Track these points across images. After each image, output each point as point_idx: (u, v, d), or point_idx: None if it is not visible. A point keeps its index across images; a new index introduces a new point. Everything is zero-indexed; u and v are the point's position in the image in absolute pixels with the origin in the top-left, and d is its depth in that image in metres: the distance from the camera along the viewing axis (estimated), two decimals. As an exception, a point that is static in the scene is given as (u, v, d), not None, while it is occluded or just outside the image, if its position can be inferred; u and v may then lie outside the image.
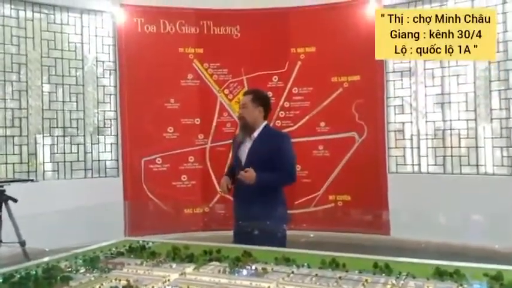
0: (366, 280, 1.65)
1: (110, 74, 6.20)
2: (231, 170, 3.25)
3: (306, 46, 6.28)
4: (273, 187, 3.09)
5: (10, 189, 4.18)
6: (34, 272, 1.81)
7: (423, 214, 5.27)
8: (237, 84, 6.32)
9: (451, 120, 5.71)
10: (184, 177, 6.24)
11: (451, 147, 5.69)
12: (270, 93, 6.14)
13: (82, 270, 1.87)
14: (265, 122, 3.20)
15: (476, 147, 5.52)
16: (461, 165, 5.60)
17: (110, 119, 6.19)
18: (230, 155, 3.36)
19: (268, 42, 6.22)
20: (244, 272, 1.80)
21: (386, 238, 5.60)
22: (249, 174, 2.96)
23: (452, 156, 5.67)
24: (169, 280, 1.70)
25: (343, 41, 6.07)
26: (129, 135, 6.09)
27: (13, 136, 5.61)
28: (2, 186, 4.15)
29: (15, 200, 4.12)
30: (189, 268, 1.86)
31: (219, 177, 6.13)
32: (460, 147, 5.64)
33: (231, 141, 6.13)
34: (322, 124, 6.22)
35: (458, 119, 5.66)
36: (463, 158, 5.60)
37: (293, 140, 6.06)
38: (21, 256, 3.88)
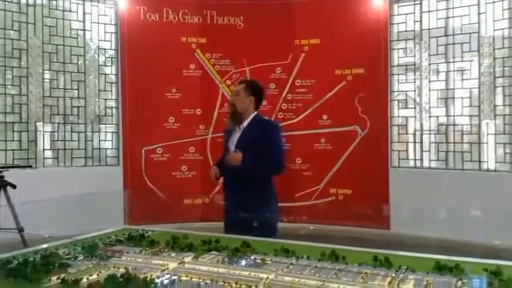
0: (366, 273, 1.64)
1: (111, 62, 6.17)
2: (221, 160, 3.24)
3: (310, 38, 6.24)
4: (262, 177, 3.10)
5: (9, 175, 4.18)
6: (32, 259, 1.79)
7: (424, 209, 5.27)
8: (240, 75, 6.28)
9: (454, 116, 5.68)
10: (184, 168, 6.23)
11: (454, 142, 5.66)
12: (273, 85, 6.22)
13: (81, 257, 1.86)
14: (255, 112, 3.19)
15: (479, 143, 5.49)
16: (463, 161, 5.58)
17: (111, 108, 6.17)
18: (223, 145, 3.33)
19: (272, 33, 6.18)
20: (243, 262, 1.79)
21: (386, 232, 5.61)
22: (235, 156, 2.97)
23: (454, 151, 5.65)
24: (167, 269, 1.69)
25: (348, 33, 6.03)
26: (130, 124, 6.07)
27: (13, 123, 5.60)
28: (0, 172, 4.15)
29: (14, 186, 4.12)
30: (188, 257, 1.85)
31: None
32: (462, 143, 5.61)
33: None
34: (324, 117, 6.19)
35: (462, 115, 5.63)
36: (465, 153, 5.58)
37: (295, 133, 6.15)
38: (20, 242, 3.88)
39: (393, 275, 1.64)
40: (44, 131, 5.82)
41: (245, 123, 3.13)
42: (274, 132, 3.20)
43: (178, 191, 6.11)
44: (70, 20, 5.96)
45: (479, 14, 5.47)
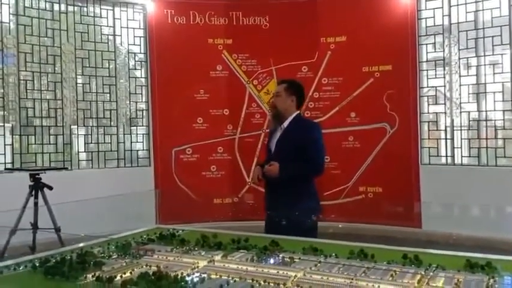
0: (395, 271, 1.64)
1: (141, 66, 6.30)
2: (265, 161, 3.23)
3: (337, 35, 6.20)
4: (302, 178, 3.08)
5: (46, 177, 4.32)
6: (69, 257, 1.86)
7: (456, 207, 5.16)
8: (266, 75, 6.31)
9: (486, 111, 5.54)
10: (213, 168, 6.30)
11: (486, 138, 5.53)
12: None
13: (114, 256, 1.93)
14: (297, 112, 3.17)
15: (513, 138, 5.35)
16: (496, 157, 5.44)
17: (142, 110, 6.30)
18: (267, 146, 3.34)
19: (297, 32, 6.18)
20: (272, 260, 1.81)
21: (417, 231, 5.52)
22: (272, 168, 2.95)
23: (487, 147, 5.51)
24: (198, 267, 1.73)
25: (374, 29, 5.96)
26: (160, 126, 6.19)
27: (49, 126, 5.78)
28: (38, 174, 4.29)
29: (50, 188, 4.25)
30: (217, 256, 1.89)
31: (247, 167, 6.18)
32: (496, 138, 5.47)
33: (259, 132, 6.22)
34: (352, 115, 6.14)
35: (494, 110, 5.49)
36: (498, 149, 5.44)
37: (322, 131, 6.07)
38: (57, 242, 4.01)
39: (423, 273, 1.63)
40: (78, 134, 6.00)
41: (286, 123, 3.12)
42: (315, 132, 3.14)
43: (208, 190, 6.18)
44: (101, 25, 6.12)
45: (510, 6, 5.32)
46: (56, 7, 5.84)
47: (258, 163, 3.30)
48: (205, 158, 6.27)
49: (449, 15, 5.73)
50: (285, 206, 2.95)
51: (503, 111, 5.43)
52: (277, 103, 3.13)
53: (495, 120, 5.49)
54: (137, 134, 6.29)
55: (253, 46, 6.30)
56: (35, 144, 5.71)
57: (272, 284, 1.52)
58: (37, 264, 1.79)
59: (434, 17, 5.82)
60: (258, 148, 6.19)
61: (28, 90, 5.65)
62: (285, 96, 3.12)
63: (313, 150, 3.06)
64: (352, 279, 1.57)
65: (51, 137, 5.80)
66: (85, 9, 6.03)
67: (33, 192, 4.25)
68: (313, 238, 2.58)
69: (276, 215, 2.96)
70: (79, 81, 5.99)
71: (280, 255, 1.86)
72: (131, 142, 6.26)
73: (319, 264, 1.75)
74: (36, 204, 4.24)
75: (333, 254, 1.88)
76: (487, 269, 1.66)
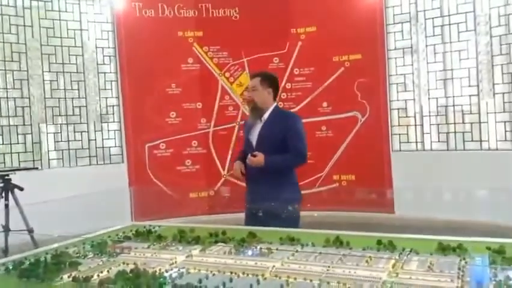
0: (370, 257, 1.68)
1: (110, 61, 6.18)
2: (244, 154, 3.22)
3: (307, 26, 6.23)
4: (286, 168, 3.10)
5: (16, 178, 4.23)
6: (43, 259, 1.83)
7: (428, 191, 5.30)
8: (238, 67, 6.29)
9: (453, 97, 5.68)
10: (188, 162, 6.26)
11: (454, 123, 5.67)
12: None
13: (90, 255, 1.90)
14: (275, 104, 3.18)
15: (480, 122, 5.50)
16: (464, 141, 5.60)
17: (113, 106, 6.19)
18: (244, 138, 3.32)
19: (268, 23, 6.17)
20: (250, 252, 1.83)
21: (390, 216, 5.65)
22: (257, 159, 2.96)
23: (455, 132, 5.66)
24: (176, 262, 1.73)
25: (344, 19, 6.02)
26: (132, 121, 6.10)
27: (17, 125, 5.63)
28: (7, 175, 4.19)
29: (21, 189, 4.16)
30: (195, 250, 1.89)
31: (222, 161, 6.19)
32: (463, 123, 5.62)
33: (233, 124, 6.22)
34: (324, 104, 6.20)
35: (461, 95, 5.63)
36: (466, 134, 5.59)
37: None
38: (30, 243, 3.94)
39: (397, 257, 1.68)
40: (47, 132, 5.86)
41: (265, 115, 3.12)
42: (296, 123, 3.14)
43: (183, 185, 6.15)
44: (67, 20, 5.95)
45: (474, -8, 5.46)
46: (19, 2, 5.65)
47: (238, 158, 3.26)
48: (179, 153, 6.23)
49: (416, 3, 5.83)
50: (268, 197, 2.96)
51: (470, 96, 5.57)
52: (255, 97, 3.13)
53: (462, 105, 5.63)
54: (108, 130, 6.18)
55: (224, 38, 6.26)
56: (2, 144, 5.55)
57: (251, 276, 1.53)
58: (11, 267, 1.76)
59: (401, 5, 5.92)
60: (233, 141, 6.20)
61: (-7, 89, 5.48)
62: (262, 90, 3.13)
63: (296, 141, 3.07)
64: (329, 267, 1.59)
65: (19, 136, 5.64)
66: (50, 4, 5.85)
67: (3, 194, 4.15)
68: (296, 227, 2.64)
69: (259, 207, 2.97)
70: (46, 78, 5.83)
71: (258, 247, 1.88)
72: (102, 139, 6.15)
73: (296, 254, 1.77)
74: (6, 206, 4.14)
75: (310, 243, 1.91)
76: (458, 251, 1.72)
